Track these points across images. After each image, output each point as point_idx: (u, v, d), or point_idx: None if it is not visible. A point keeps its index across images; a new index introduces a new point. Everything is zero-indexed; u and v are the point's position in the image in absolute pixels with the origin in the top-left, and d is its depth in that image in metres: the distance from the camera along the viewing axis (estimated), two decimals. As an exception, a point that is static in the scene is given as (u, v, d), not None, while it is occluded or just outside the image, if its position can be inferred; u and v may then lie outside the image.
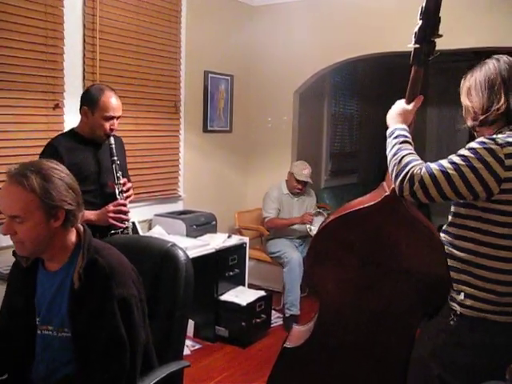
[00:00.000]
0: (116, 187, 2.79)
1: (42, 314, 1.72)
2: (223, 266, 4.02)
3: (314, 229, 4.53)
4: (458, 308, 1.71)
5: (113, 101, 2.77)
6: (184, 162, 4.60)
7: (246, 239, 4.32)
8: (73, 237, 1.72)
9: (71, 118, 3.46)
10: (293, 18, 5.03)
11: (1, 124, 3.12)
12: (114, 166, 2.79)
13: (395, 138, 1.76)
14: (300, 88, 5.21)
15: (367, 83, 7.25)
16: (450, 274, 1.73)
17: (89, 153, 2.79)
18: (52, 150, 2.67)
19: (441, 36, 1.74)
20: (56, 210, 1.61)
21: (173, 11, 4.30)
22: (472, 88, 1.75)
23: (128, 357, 1.62)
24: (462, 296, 1.69)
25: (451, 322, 1.71)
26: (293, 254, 4.45)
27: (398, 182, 1.66)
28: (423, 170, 1.62)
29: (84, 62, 3.59)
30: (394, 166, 1.69)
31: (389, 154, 1.75)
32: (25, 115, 3.24)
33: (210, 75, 4.80)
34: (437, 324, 1.77)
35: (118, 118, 2.81)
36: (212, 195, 4.93)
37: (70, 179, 1.67)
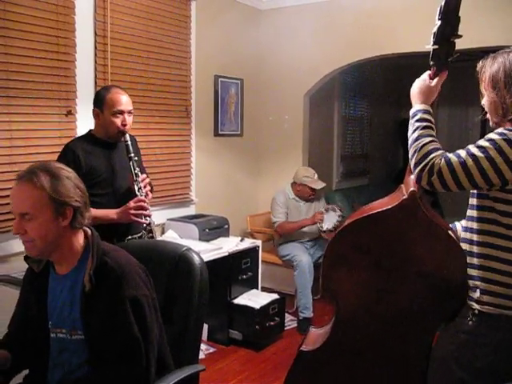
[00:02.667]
0: (135, 184, 2.79)
1: (55, 318, 1.74)
2: (236, 270, 4.03)
3: (325, 226, 4.52)
4: (476, 306, 1.69)
5: (119, 96, 2.77)
6: (195, 166, 4.61)
7: (259, 242, 4.33)
8: (81, 239, 1.74)
9: (83, 124, 3.49)
10: (301, 21, 5.03)
11: (14, 131, 3.15)
12: (131, 162, 2.79)
13: (417, 121, 1.75)
14: (310, 90, 5.21)
15: (377, 84, 7.23)
16: (467, 279, 1.71)
17: (105, 155, 2.80)
18: (70, 154, 2.69)
19: (460, 36, 1.71)
20: (64, 208, 1.64)
21: (182, 17, 4.33)
22: (500, 80, 1.67)
23: (144, 357, 1.63)
24: (478, 293, 1.68)
25: (470, 322, 1.69)
26: (302, 257, 4.44)
27: (417, 170, 1.66)
28: (442, 161, 1.61)
29: (96, 69, 3.62)
30: (415, 153, 1.68)
31: (410, 137, 1.74)
32: (38, 122, 3.27)
33: (220, 79, 4.82)
34: (456, 324, 1.75)
35: (129, 113, 2.80)
36: (224, 199, 4.94)
37: (77, 179, 1.71)
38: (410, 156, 1.72)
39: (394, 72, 7.30)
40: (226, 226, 4.31)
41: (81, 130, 3.48)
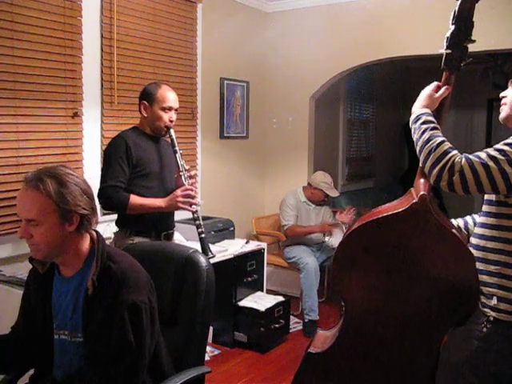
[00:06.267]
0: (181, 174, 2.88)
1: (58, 319, 1.74)
2: (241, 272, 4.03)
3: (331, 242, 4.60)
4: (491, 313, 1.68)
5: (169, 93, 2.92)
6: (201, 168, 4.62)
7: (264, 245, 4.33)
8: (86, 243, 1.73)
9: (90, 126, 3.52)
10: (307, 24, 5.05)
11: (21, 133, 3.16)
12: (177, 155, 2.89)
13: (424, 123, 1.71)
14: (315, 93, 5.22)
15: (383, 87, 7.24)
16: (478, 282, 1.69)
17: (152, 149, 2.93)
18: (123, 143, 2.80)
19: (473, 41, 1.71)
20: (71, 215, 1.63)
21: (188, 19, 4.34)
22: None
23: (134, 363, 1.62)
24: (494, 300, 1.67)
25: (484, 329, 1.68)
26: (308, 260, 4.44)
27: (435, 171, 1.61)
28: (463, 160, 1.57)
29: (102, 71, 3.63)
30: (430, 153, 1.63)
31: (419, 140, 1.70)
32: (44, 124, 3.28)
33: (225, 82, 4.84)
34: (469, 331, 1.73)
35: (175, 110, 2.94)
36: (229, 201, 4.95)
37: (85, 185, 1.69)
38: (422, 158, 1.67)
39: (400, 75, 7.30)
40: (232, 229, 4.31)
41: (87, 132, 3.50)
